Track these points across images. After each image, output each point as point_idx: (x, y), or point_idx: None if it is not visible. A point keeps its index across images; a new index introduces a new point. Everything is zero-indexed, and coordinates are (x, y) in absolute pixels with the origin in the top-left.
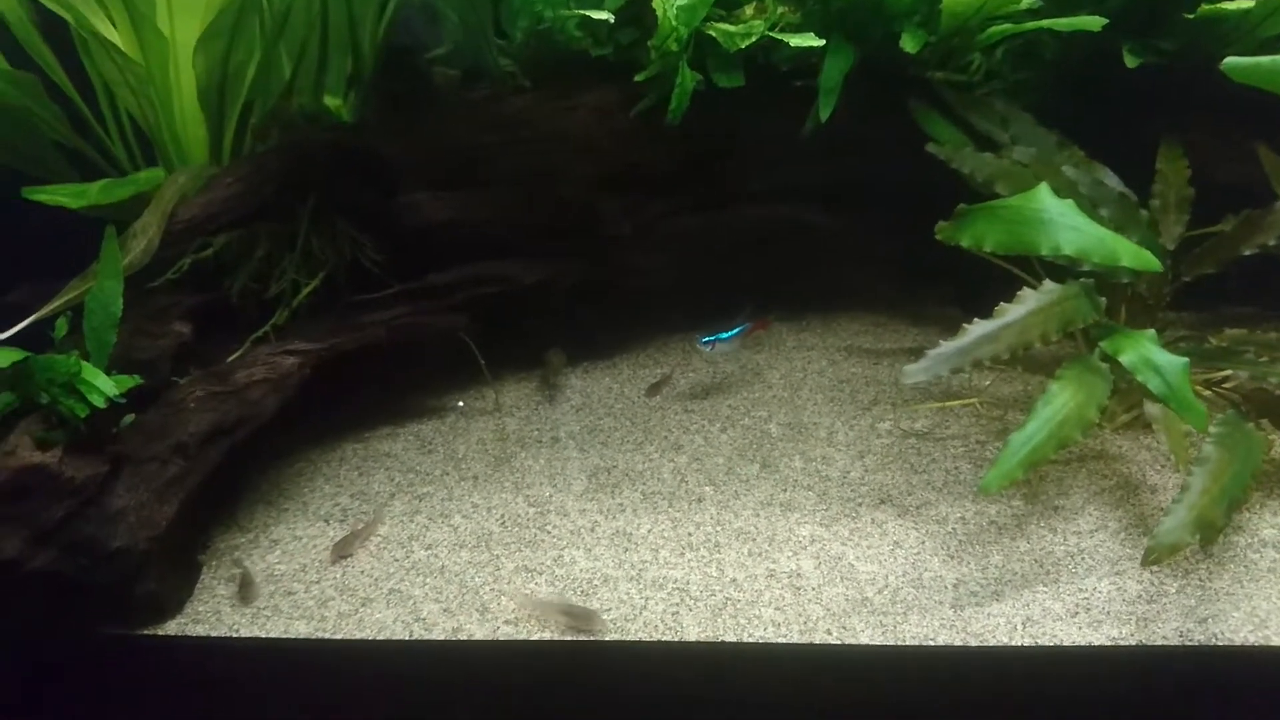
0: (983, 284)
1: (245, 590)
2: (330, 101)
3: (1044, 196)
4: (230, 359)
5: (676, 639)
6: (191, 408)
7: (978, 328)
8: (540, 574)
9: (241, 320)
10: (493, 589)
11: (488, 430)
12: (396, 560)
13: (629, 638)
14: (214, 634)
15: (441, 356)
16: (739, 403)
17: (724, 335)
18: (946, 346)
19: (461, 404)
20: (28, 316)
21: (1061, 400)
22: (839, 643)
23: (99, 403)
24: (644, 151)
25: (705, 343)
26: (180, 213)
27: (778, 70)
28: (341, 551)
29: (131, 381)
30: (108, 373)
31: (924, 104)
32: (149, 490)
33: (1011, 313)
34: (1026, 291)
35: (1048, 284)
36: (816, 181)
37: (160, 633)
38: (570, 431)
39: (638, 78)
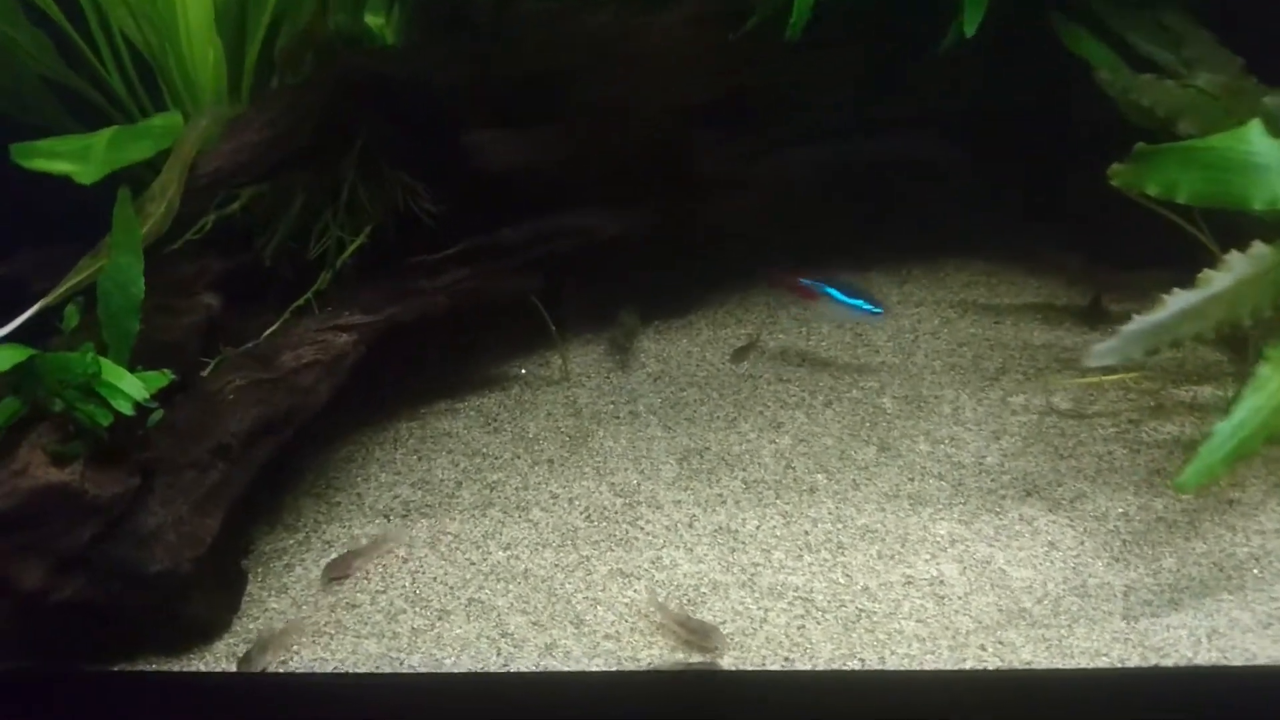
0: (1105, 224)
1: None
2: (371, 20)
3: (1256, 137)
4: (267, 333)
5: (808, 664)
6: (231, 399)
7: (1178, 299)
8: (637, 578)
9: (277, 287)
10: (586, 597)
11: (558, 404)
12: (472, 563)
13: (750, 658)
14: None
15: (499, 317)
16: (842, 371)
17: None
18: (1141, 322)
19: (524, 371)
20: (26, 292)
21: (1274, 385)
22: (1000, 664)
23: (125, 409)
24: (745, 75)
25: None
26: (202, 164)
27: None
28: (334, 573)
29: (162, 380)
30: (131, 367)
31: (1067, 19)
32: (188, 502)
33: (1218, 281)
34: (1234, 255)
35: (1258, 245)
36: (926, 111)
37: (207, 665)
38: (650, 405)
39: None
